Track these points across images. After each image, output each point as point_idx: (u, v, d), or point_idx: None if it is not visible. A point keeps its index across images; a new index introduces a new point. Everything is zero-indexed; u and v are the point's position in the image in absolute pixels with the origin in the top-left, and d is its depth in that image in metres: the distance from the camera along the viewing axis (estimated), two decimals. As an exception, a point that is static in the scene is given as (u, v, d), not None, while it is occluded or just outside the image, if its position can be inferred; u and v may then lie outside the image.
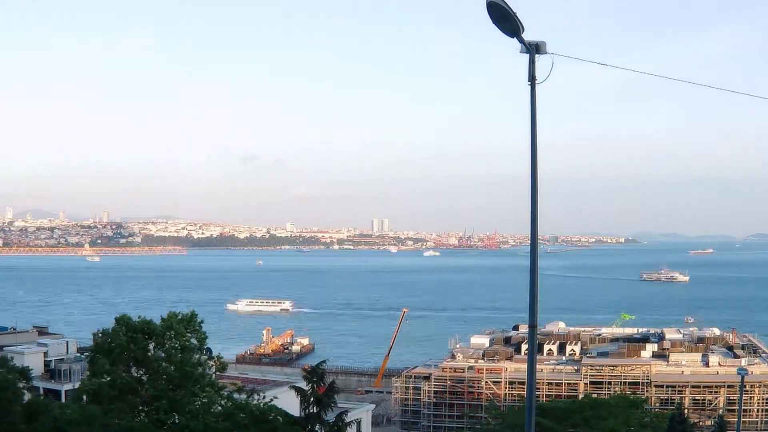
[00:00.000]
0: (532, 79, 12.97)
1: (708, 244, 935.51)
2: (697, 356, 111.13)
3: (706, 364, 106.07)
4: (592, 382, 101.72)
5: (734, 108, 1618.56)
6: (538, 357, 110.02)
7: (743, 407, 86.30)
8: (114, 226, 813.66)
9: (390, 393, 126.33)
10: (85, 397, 36.19)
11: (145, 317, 39.04)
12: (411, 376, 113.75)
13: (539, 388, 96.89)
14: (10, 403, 30.17)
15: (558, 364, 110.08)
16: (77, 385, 40.43)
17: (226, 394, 38.18)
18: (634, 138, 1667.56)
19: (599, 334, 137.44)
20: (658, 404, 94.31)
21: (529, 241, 14.07)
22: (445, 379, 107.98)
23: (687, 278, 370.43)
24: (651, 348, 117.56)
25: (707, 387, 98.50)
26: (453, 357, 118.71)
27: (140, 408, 35.76)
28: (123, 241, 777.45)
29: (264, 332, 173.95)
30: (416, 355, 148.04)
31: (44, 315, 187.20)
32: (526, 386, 14.39)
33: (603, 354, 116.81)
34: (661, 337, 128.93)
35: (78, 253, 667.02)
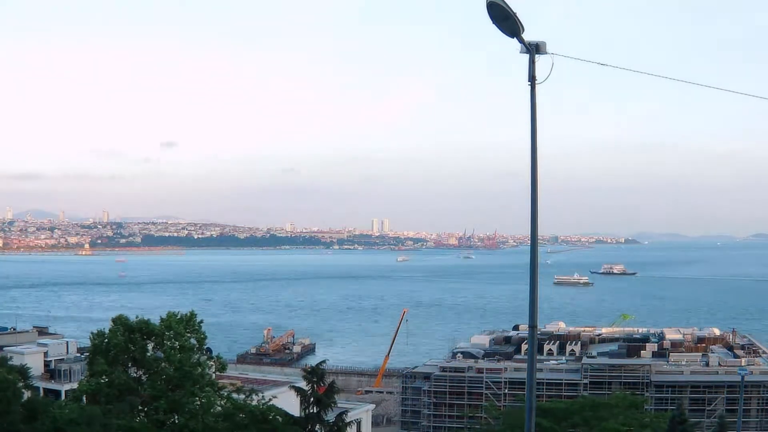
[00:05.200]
0: (532, 79, 12.97)
1: (708, 245, 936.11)
2: (697, 356, 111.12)
3: (706, 364, 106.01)
4: (592, 382, 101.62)
5: (734, 108, 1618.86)
6: (538, 357, 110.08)
7: (743, 407, 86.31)
8: (114, 226, 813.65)
9: (390, 393, 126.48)
10: (84, 397, 36.16)
11: (143, 317, 38.99)
12: (411, 376, 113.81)
13: (539, 388, 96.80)
14: (10, 403, 30.10)
15: (558, 364, 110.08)
16: (77, 386, 40.36)
17: (225, 394, 38.12)
18: (634, 137, 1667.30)
19: (599, 334, 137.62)
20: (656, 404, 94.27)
21: (529, 241, 14.06)
22: (445, 379, 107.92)
23: None
24: (651, 348, 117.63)
25: (707, 387, 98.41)
26: (453, 357, 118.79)
27: (139, 408, 35.71)
28: (123, 241, 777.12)
29: (265, 332, 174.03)
30: (416, 355, 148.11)
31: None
32: (526, 386, 14.37)
33: (603, 354, 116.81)
34: (661, 337, 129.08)
35: (79, 253, 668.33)
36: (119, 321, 37.49)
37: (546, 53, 12.82)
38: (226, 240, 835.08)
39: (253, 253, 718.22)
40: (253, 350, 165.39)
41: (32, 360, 62.59)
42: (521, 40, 12.57)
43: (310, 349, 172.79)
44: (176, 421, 34.89)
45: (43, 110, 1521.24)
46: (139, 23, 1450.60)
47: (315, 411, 35.14)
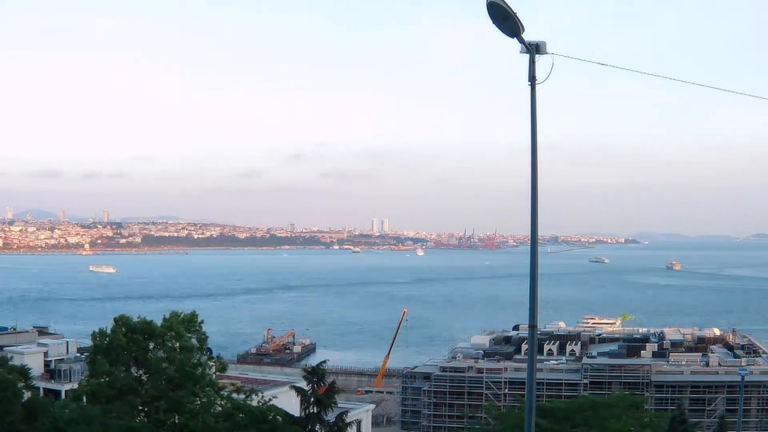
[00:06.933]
0: (532, 79, 12.98)
1: (708, 245, 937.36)
2: (697, 356, 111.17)
3: (706, 364, 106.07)
4: (592, 382, 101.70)
5: (734, 107, 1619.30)
6: (538, 357, 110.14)
7: (743, 407, 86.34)
8: (114, 226, 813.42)
9: (390, 393, 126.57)
10: (84, 397, 36.15)
11: (145, 317, 38.97)
12: (411, 376, 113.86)
13: (539, 388, 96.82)
14: (10, 403, 30.12)
15: (558, 364, 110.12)
16: (77, 386, 40.36)
17: (225, 394, 38.11)
18: (634, 137, 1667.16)
19: (599, 334, 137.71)
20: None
21: (529, 241, 14.07)
22: (445, 379, 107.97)
23: None
24: (651, 348, 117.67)
25: (707, 387, 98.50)
26: (453, 357, 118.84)
27: (140, 408, 35.71)
28: (123, 241, 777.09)
29: (265, 332, 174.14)
30: (416, 355, 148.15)
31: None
32: (526, 386, 14.38)
33: (603, 354, 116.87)
34: (661, 337, 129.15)
35: (79, 253, 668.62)
36: (121, 321, 37.44)
37: (546, 53, 12.84)
38: (226, 240, 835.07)
39: (279, 253, 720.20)
40: (254, 350, 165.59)
41: (32, 360, 62.51)
42: (521, 40, 12.59)
43: (310, 349, 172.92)
44: (176, 421, 34.88)
45: (42, 111, 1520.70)
46: (136, 26, 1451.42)
47: (315, 411, 35.16)
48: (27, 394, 34.61)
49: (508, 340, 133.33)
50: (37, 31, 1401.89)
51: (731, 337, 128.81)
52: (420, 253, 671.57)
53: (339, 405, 40.20)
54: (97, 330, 38.48)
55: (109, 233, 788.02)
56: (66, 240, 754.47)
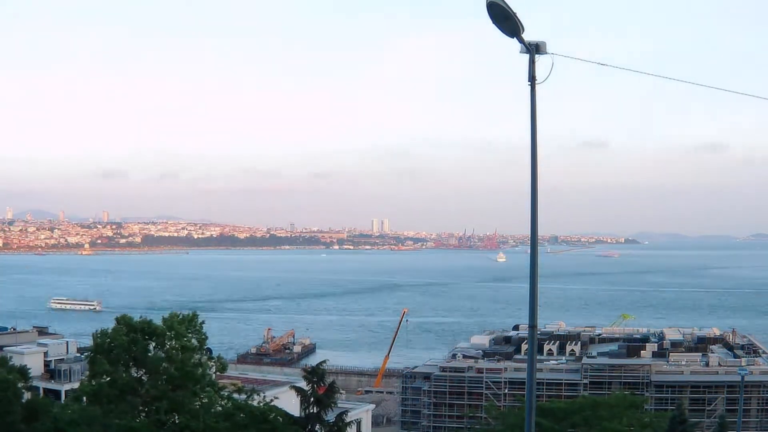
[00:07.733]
0: (532, 79, 13.00)
1: (708, 244, 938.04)
2: (697, 356, 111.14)
3: (706, 364, 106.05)
4: (592, 382, 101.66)
5: (734, 107, 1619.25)
6: (538, 357, 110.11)
7: (743, 407, 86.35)
8: (114, 226, 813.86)
9: (390, 393, 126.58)
10: (84, 397, 36.16)
11: (146, 317, 39.01)
12: (411, 376, 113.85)
13: (539, 388, 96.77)
14: (10, 403, 30.19)
15: (558, 364, 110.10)
16: (77, 386, 40.37)
17: (226, 394, 38.15)
18: (634, 138, 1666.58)
19: (599, 334, 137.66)
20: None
21: (529, 241, 14.09)
22: (445, 379, 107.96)
23: None
24: (651, 348, 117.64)
25: (707, 387, 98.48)
26: (453, 357, 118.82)
27: (140, 408, 35.72)
28: (123, 241, 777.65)
29: (265, 332, 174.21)
30: (416, 355, 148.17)
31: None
32: (526, 386, 14.39)
33: (603, 354, 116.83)
34: (661, 337, 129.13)
35: (79, 253, 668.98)
36: (122, 321, 37.44)
37: (546, 53, 12.85)
38: (226, 240, 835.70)
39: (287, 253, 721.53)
40: (254, 350, 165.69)
41: (32, 360, 62.66)
42: (521, 40, 12.61)
43: (310, 349, 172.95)
44: (177, 422, 34.90)
45: (42, 111, 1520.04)
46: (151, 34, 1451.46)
47: (315, 411, 35.19)
48: (27, 395, 34.67)
49: (508, 340, 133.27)
50: (36, 32, 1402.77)
51: (731, 337, 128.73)
52: (502, 257, 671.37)
53: (339, 405, 40.26)
54: (98, 330, 38.53)
55: (109, 233, 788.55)
56: (66, 240, 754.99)
